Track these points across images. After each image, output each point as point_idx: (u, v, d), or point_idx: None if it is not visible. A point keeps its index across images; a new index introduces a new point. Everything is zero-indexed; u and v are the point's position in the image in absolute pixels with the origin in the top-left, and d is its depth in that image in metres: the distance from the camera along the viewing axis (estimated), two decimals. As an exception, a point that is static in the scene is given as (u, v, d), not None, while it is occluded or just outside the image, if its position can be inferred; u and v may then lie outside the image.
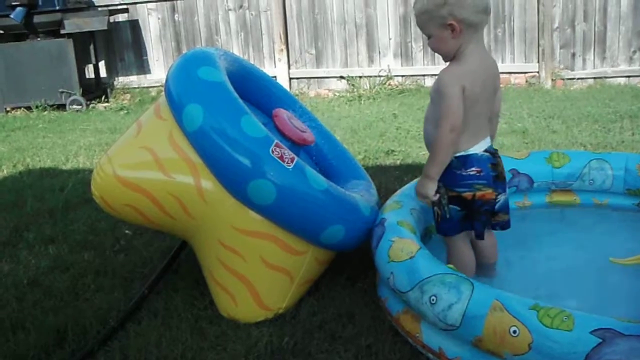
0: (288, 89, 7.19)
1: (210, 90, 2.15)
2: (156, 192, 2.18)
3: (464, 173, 2.18)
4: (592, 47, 6.92)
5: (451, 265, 1.98)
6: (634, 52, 6.86)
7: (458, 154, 2.19)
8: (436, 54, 2.24)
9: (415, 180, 2.73)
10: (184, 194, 2.16)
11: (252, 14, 7.38)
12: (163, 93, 2.31)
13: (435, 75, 7.22)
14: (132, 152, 2.26)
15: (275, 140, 2.12)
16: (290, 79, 7.39)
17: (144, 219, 2.27)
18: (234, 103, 2.14)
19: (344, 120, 5.68)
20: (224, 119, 2.08)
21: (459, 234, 2.28)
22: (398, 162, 4.22)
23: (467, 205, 2.21)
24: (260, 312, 2.24)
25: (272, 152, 2.07)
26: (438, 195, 2.22)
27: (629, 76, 6.88)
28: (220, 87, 2.17)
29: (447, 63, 2.21)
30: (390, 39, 7.17)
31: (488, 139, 2.27)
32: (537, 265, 2.49)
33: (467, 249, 2.34)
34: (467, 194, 2.19)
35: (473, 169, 2.19)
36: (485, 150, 2.23)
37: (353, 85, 7.20)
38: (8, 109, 7.25)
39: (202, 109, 2.08)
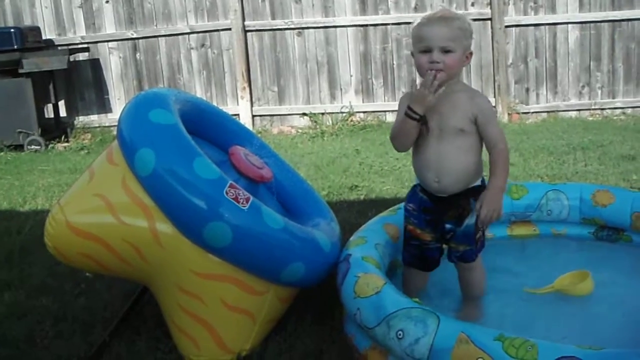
0: (251, 127, 7.22)
1: (161, 134, 2.13)
2: (111, 239, 2.14)
3: None
4: (545, 82, 7.15)
5: (416, 299, 1.99)
6: (583, 86, 7.11)
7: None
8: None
9: (380, 215, 2.77)
10: (139, 240, 2.13)
11: (214, 53, 7.42)
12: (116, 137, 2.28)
13: (395, 111, 7.31)
14: (84, 199, 2.22)
15: (230, 181, 2.11)
16: (253, 116, 7.42)
17: (100, 267, 2.23)
18: (186, 145, 2.13)
19: (307, 156, 5.71)
20: (176, 162, 2.07)
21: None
22: (362, 197, 4.25)
23: None
24: (224, 355, 2.21)
25: (227, 193, 2.06)
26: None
27: (579, 109, 7.12)
28: (171, 129, 2.15)
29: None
30: (351, 76, 7.28)
31: None
32: (501, 296, 2.53)
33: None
34: None
35: None
36: None
37: (315, 121, 7.26)
38: (-37, 150, 7.08)
39: (154, 153, 2.07)
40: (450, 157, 2.27)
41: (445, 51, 2.19)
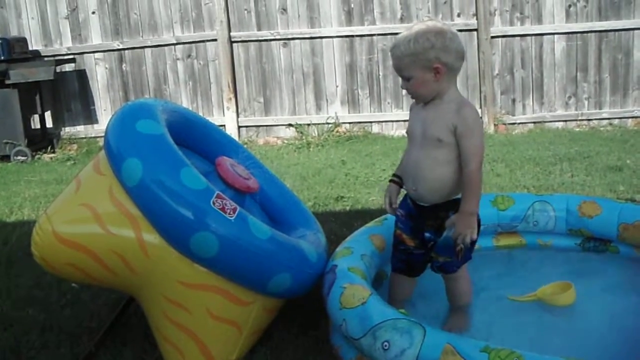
0: (237, 138, 7.22)
1: (149, 144, 2.13)
2: (97, 249, 2.13)
3: None
4: (531, 93, 7.21)
5: (402, 310, 2.00)
6: (569, 97, 7.18)
7: None
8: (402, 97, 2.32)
9: (366, 226, 2.78)
10: (126, 250, 2.12)
11: (200, 63, 7.42)
12: (102, 147, 2.29)
13: (382, 121, 7.38)
14: (71, 209, 2.21)
15: (217, 192, 2.11)
16: (239, 127, 7.41)
17: (86, 277, 2.22)
18: (173, 156, 2.13)
19: (293, 167, 5.71)
20: (163, 172, 2.07)
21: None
22: (348, 208, 4.26)
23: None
24: (211, 366, 2.20)
25: (214, 203, 2.06)
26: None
27: (565, 120, 7.18)
28: (159, 140, 2.16)
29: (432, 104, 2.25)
30: (337, 86, 7.31)
31: None
32: (488, 307, 2.54)
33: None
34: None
35: None
36: None
37: (301, 132, 7.27)
38: (-53, 161, 7.01)
39: (141, 163, 2.07)
40: (426, 167, 2.26)
41: (406, 79, 2.22)
